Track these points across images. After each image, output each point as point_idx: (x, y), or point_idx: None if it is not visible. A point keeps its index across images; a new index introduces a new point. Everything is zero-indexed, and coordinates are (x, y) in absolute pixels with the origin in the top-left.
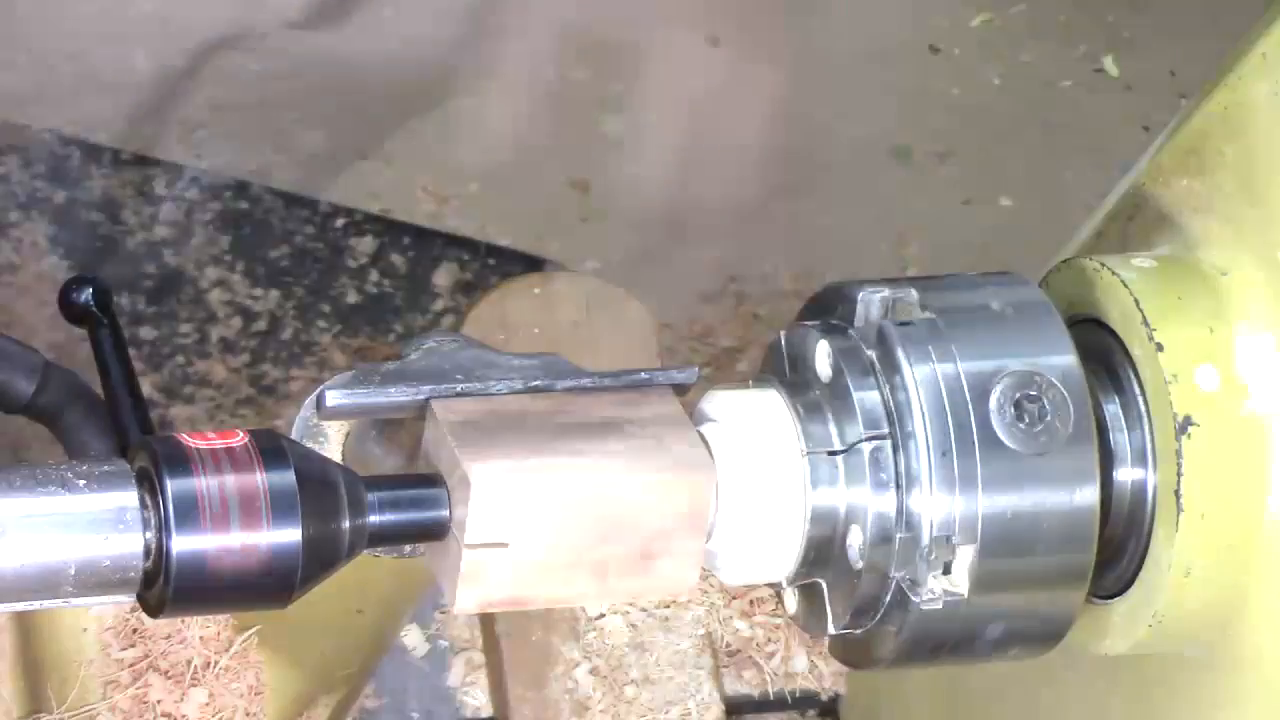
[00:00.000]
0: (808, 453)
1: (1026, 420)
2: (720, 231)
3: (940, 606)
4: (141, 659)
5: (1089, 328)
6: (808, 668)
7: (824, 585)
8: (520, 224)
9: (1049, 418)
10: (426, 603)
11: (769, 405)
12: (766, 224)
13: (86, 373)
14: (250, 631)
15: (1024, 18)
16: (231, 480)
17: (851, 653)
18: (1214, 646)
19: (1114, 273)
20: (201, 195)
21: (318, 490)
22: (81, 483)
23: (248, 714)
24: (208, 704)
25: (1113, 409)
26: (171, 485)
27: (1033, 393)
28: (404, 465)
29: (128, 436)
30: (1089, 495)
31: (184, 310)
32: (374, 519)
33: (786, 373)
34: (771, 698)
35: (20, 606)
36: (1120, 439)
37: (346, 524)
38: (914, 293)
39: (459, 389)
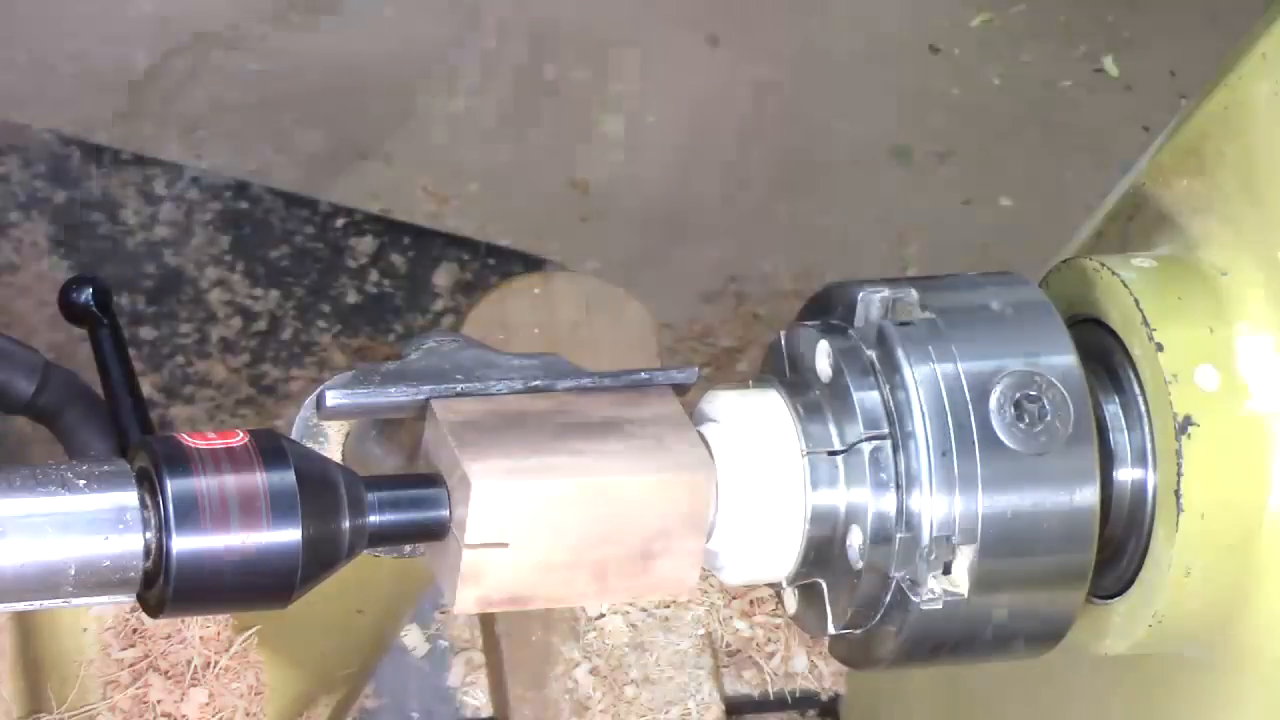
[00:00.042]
0: (808, 453)
1: (1026, 420)
2: (720, 231)
3: (940, 606)
4: (141, 659)
5: (1089, 328)
6: (808, 668)
7: (824, 585)
8: (520, 224)
9: (1049, 418)
10: (426, 603)
11: (769, 405)
12: (766, 224)
13: (86, 373)
14: (250, 631)
15: (1024, 18)
16: (231, 480)
17: (851, 653)
18: (1214, 646)
19: (1114, 273)
20: (201, 195)
21: (318, 490)
22: (81, 483)
23: (248, 714)
24: (208, 704)
25: (1113, 409)
26: (171, 485)
27: (1033, 393)
28: (404, 465)
29: (128, 436)
30: (1089, 495)
31: (184, 310)
32: (374, 519)
33: (786, 373)
34: (771, 698)
35: (20, 606)
36: (1120, 439)
37: (346, 524)
38: (914, 293)
39: (459, 389)
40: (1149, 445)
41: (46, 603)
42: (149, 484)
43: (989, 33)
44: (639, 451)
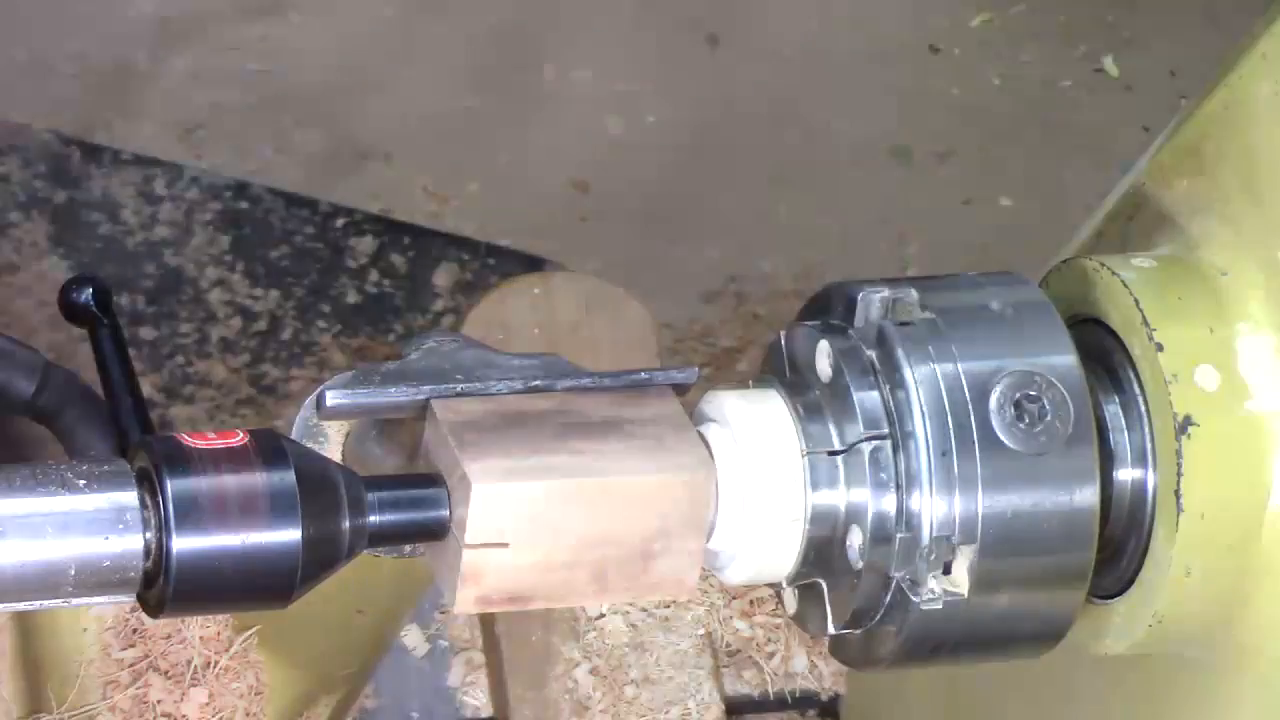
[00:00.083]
0: (808, 453)
1: (1026, 420)
2: (720, 231)
3: (940, 606)
4: (141, 659)
5: (1089, 328)
6: (808, 668)
7: (824, 585)
8: (520, 224)
9: (1049, 418)
10: (426, 603)
11: (769, 405)
12: (766, 224)
13: (86, 373)
14: (250, 631)
15: (1024, 18)
16: (231, 480)
17: (851, 653)
18: (1214, 646)
19: (1114, 273)
20: (201, 195)
21: (318, 490)
22: (81, 483)
23: (248, 714)
24: (208, 704)
25: (1113, 409)
26: (171, 485)
27: (1033, 393)
28: (404, 465)
29: (128, 436)
30: (1089, 495)
31: (184, 310)
32: (374, 519)
33: (786, 373)
34: (771, 698)
35: (20, 606)
36: (1120, 439)
37: (346, 524)
38: (914, 293)
39: (459, 389)
40: (1149, 445)
41: (46, 603)
42: (149, 484)
43: (989, 33)
44: (639, 451)
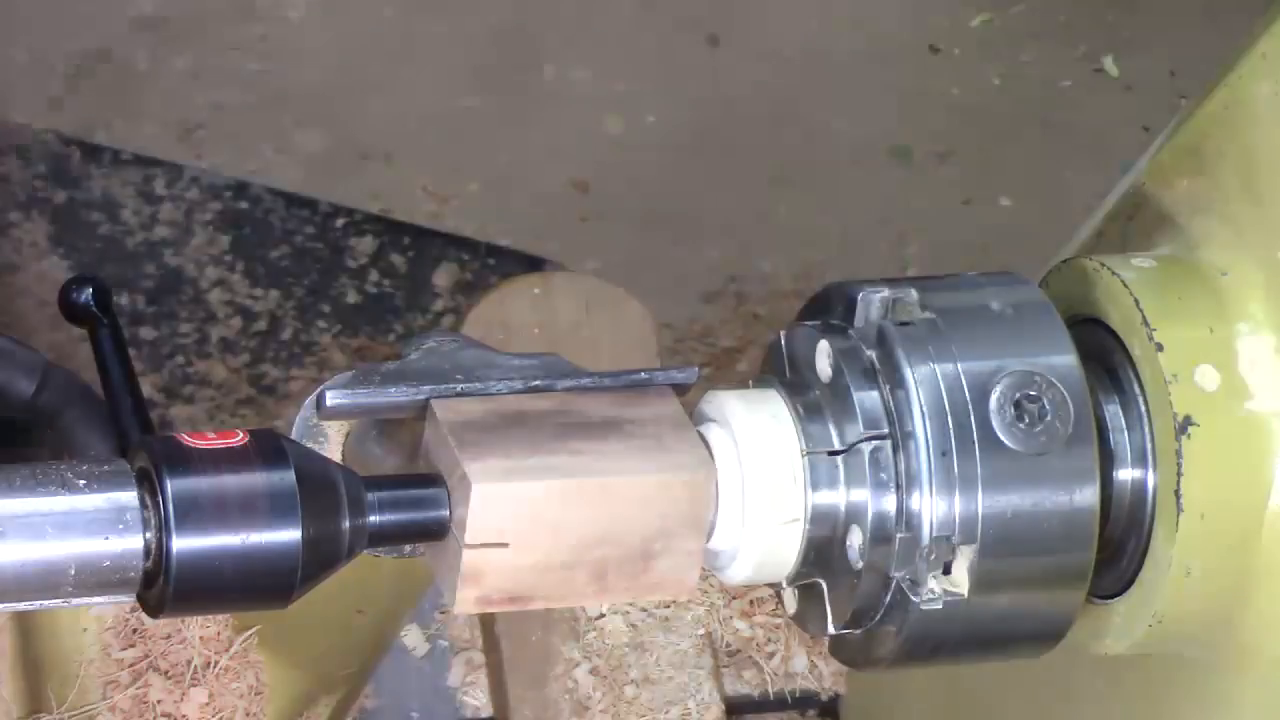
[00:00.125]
0: (808, 453)
1: (1026, 420)
2: (720, 231)
3: (940, 606)
4: (141, 659)
5: (1089, 328)
6: (808, 668)
7: (824, 585)
8: (520, 224)
9: (1049, 418)
10: (426, 603)
11: (769, 405)
12: (766, 224)
13: (86, 373)
14: (250, 631)
15: (1024, 18)
16: (231, 480)
17: (851, 653)
18: (1214, 646)
19: (1114, 273)
20: (201, 195)
21: (318, 490)
22: (81, 483)
23: (248, 714)
24: (208, 704)
25: (1113, 409)
26: (171, 485)
27: (1033, 393)
28: (404, 465)
29: (128, 436)
30: (1089, 495)
31: (184, 310)
32: (374, 519)
33: (786, 373)
34: (771, 698)
35: (20, 606)
36: (1120, 439)
37: (346, 524)
38: (914, 293)
39: (459, 389)
40: (1149, 445)
41: (46, 603)
42: (149, 484)
43: (989, 33)
44: (639, 451)
